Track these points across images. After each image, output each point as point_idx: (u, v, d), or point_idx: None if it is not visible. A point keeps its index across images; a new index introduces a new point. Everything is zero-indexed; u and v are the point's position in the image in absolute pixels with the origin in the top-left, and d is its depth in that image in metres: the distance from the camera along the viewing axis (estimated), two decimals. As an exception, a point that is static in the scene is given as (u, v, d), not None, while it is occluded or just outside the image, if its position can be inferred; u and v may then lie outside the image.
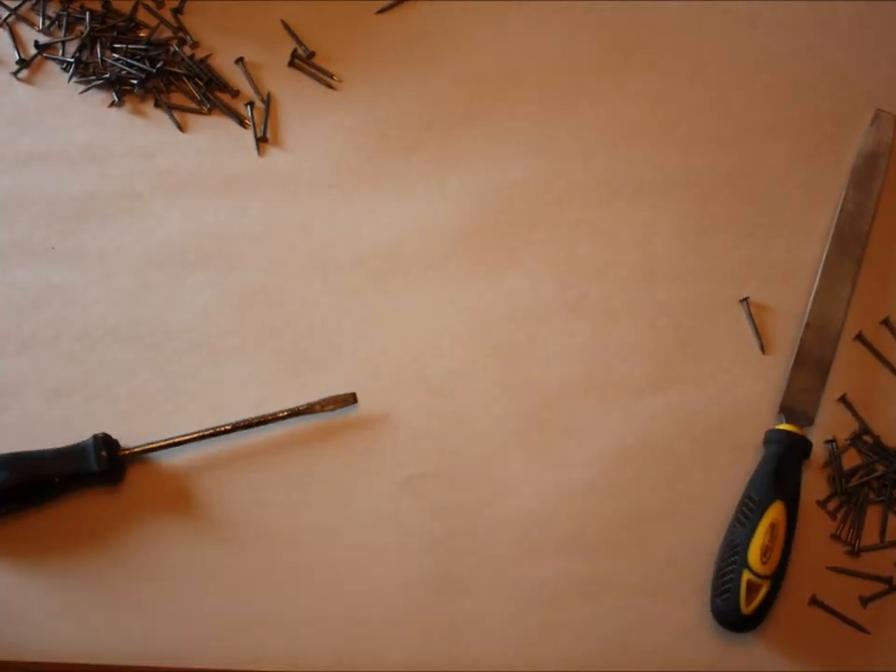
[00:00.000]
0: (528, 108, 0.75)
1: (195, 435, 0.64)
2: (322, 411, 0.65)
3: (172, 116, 0.74)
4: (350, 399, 0.65)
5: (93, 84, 0.75)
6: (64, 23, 0.76)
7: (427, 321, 0.69)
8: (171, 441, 0.64)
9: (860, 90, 0.76)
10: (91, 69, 0.76)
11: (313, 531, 0.64)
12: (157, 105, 0.75)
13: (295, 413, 0.65)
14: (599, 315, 0.69)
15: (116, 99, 0.75)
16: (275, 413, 0.65)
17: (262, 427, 0.65)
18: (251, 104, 0.75)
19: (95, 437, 0.63)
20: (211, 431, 0.64)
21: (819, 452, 0.66)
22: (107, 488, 0.64)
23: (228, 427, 0.64)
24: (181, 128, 0.74)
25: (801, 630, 0.62)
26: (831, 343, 0.68)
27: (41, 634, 0.61)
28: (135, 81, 0.74)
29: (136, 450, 0.64)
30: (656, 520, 0.64)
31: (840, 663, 0.62)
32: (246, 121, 0.74)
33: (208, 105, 0.75)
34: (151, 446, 0.64)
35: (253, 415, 0.65)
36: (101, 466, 0.62)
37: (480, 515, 0.64)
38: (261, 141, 0.74)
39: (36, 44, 0.76)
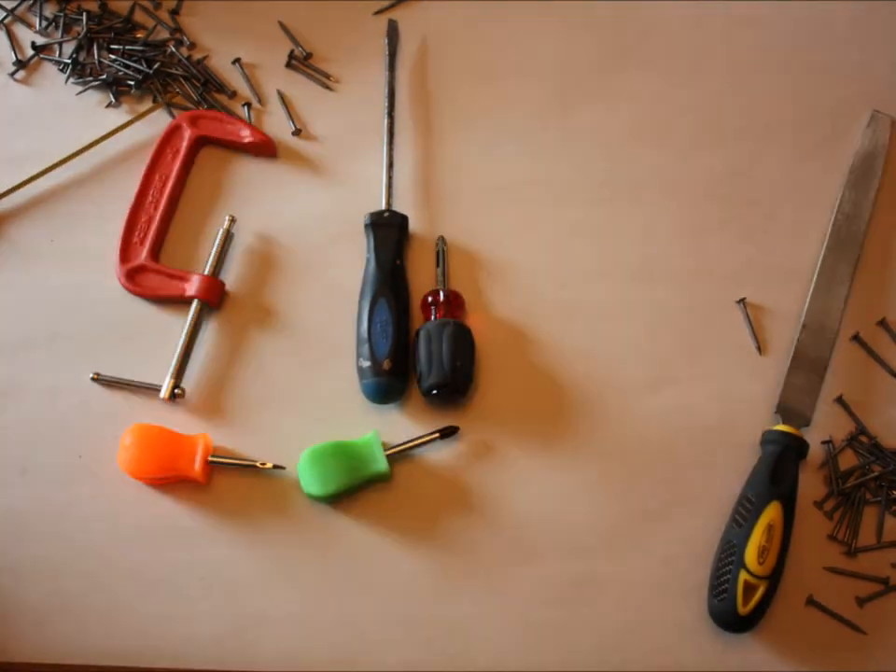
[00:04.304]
0: (526, 109, 0.75)
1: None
2: None
3: (172, 115, 0.74)
4: None
5: (90, 85, 0.75)
6: (61, 24, 0.76)
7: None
8: None
9: (856, 91, 0.76)
10: (88, 70, 0.76)
11: (312, 530, 0.64)
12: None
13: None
14: (597, 315, 0.69)
15: (113, 100, 0.75)
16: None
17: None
18: (248, 104, 0.75)
19: None
20: None
21: (815, 452, 0.66)
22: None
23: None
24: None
25: (798, 630, 0.62)
26: (827, 344, 0.68)
27: (39, 635, 0.61)
28: (132, 82, 0.75)
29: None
30: (654, 520, 0.64)
31: (837, 663, 0.62)
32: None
33: (205, 106, 0.75)
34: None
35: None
36: None
37: (478, 515, 0.64)
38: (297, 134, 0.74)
39: (33, 45, 0.76)
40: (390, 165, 0.71)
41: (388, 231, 0.69)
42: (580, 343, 0.68)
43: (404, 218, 0.69)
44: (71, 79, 0.75)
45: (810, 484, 0.65)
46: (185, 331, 0.67)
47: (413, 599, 0.62)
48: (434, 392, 0.64)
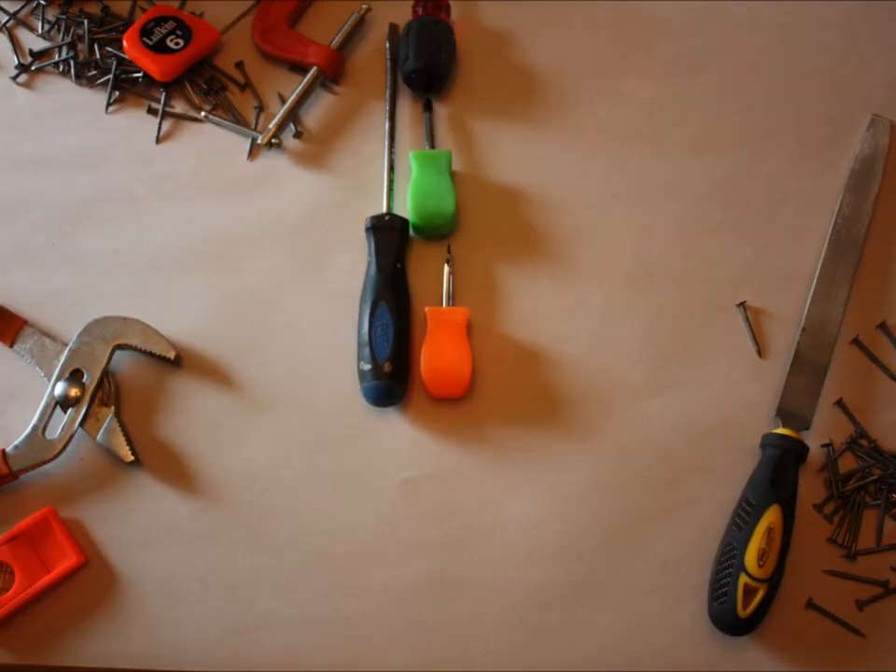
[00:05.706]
0: (526, 111, 0.75)
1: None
2: None
3: (185, 114, 0.75)
4: None
5: (92, 86, 0.75)
6: (63, 27, 0.77)
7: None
8: None
9: (856, 95, 0.76)
10: (90, 72, 0.76)
11: (312, 534, 0.64)
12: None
13: None
14: (597, 318, 0.69)
15: (113, 102, 0.75)
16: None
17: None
18: (259, 107, 0.75)
19: None
20: None
21: (815, 456, 0.66)
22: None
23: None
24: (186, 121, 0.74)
25: (797, 633, 0.62)
26: (827, 347, 0.68)
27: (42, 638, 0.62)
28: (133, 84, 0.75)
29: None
30: (654, 523, 0.64)
31: (836, 666, 0.62)
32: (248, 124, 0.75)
33: (209, 108, 0.75)
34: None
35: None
36: None
37: (478, 518, 0.64)
38: (281, 138, 0.74)
39: (30, 52, 0.76)
40: (391, 169, 0.72)
41: (389, 235, 0.69)
42: (579, 345, 0.68)
43: (405, 222, 0.70)
44: (73, 81, 0.75)
45: (810, 488, 0.65)
46: (296, 91, 0.72)
47: (413, 601, 0.63)
48: (414, 76, 0.73)
